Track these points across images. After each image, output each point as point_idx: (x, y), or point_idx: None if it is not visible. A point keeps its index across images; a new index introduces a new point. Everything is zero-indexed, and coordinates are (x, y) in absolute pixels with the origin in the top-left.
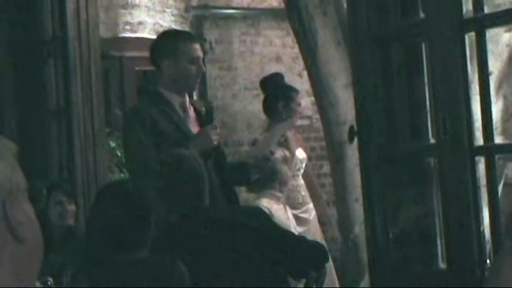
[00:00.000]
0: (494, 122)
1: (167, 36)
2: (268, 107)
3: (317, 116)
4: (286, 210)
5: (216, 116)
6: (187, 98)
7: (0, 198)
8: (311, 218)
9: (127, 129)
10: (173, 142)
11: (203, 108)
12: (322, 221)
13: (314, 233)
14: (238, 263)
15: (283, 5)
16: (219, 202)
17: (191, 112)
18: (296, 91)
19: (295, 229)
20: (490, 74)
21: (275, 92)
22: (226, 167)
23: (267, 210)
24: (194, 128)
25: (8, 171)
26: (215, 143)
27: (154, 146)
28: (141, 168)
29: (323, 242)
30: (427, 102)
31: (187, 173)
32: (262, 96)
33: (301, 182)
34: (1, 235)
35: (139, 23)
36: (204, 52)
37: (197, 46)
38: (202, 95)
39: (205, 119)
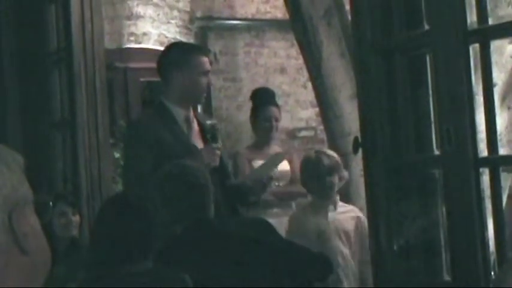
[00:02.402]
0: (498, 133)
1: (177, 48)
2: (252, 121)
3: (321, 127)
4: None
5: (219, 139)
6: (191, 112)
7: (7, 210)
8: None
9: (126, 141)
10: (176, 155)
11: (208, 122)
12: None
13: None
14: (243, 274)
15: (287, 16)
16: (222, 216)
17: (195, 126)
18: (270, 107)
19: None
20: (494, 86)
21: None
22: (228, 183)
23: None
24: (197, 142)
25: (15, 183)
26: (216, 163)
27: (157, 159)
28: (134, 180)
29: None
30: (431, 114)
31: (191, 184)
32: None
33: None
34: (7, 247)
35: (144, 34)
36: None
37: (207, 59)
38: (207, 106)
39: (209, 137)
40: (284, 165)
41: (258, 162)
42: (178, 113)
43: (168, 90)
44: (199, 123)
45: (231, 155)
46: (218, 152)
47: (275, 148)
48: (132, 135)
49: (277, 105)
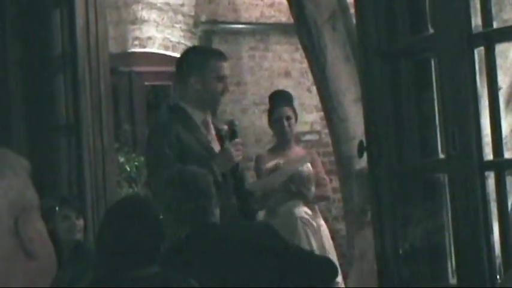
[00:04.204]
0: (503, 136)
1: (197, 52)
2: (268, 125)
3: (326, 131)
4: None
5: (239, 135)
6: (209, 115)
7: (13, 215)
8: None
9: (148, 143)
10: (197, 159)
11: (224, 127)
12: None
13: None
14: (247, 278)
15: (292, 20)
16: (236, 219)
17: (212, 130)
18: (284, 108)
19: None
20: (499, 89)
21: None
22: (242, 189)
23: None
24: (215, 146)
25: (21, 188)
26: (237, 159)
27: (178, 160)
28: (156, 180)
29: (333, 257)
30: (436, 117)
31: (192, 189)
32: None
33: None
34: (13, 251)
35: (149, 38)
36: None
37: (225, 64)
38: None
39: (228, 137)
40: (307, 168)
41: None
42: (197, 116)
43: (186, 94)
44: (215, 128)
45: (253, 158)
46: (240, 147)
47: (296, 149)
48: (153, 136)
49: (289, 105)
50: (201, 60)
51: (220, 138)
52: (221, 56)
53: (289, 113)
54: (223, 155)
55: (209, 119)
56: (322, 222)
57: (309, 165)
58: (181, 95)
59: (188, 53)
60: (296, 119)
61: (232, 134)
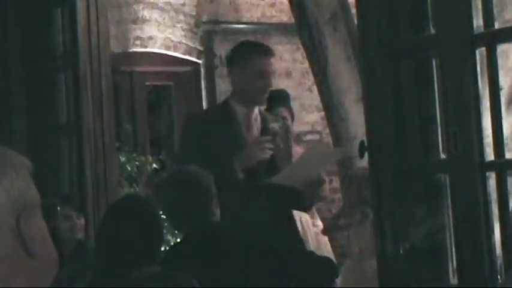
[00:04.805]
0: (505, 137)
1: (241, 47)
2: None
3: (327, 130)
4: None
5: (269, 130)
6: (255, 111)
7: (15, 214)
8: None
9: (181, 134)
10: (220, 154)
11: (275, 124)
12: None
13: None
14: (247, 278)
15: (293, 20)
16: (267, 222)
17: (257, 125)
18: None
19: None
20: (501, 89)
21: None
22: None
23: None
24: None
25: (23, 187)
26: (266, 156)
27: (205, 153)
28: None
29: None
30: (438, 118)
31: (192, 188)
32: None
33: None
34: (14, 250)
35: (150, 37)
36: (214, 67)
37: (269, 60)
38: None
39: (283, 138)
40: None
41: None
42: (240, 111)
43: (233, 88)
44: (264, 123)
45: None
46: (268, 145)
47: (296, 149)
48: (184, 128)
49: (285, 105)
50: (242, 56)
51: (265, 134)
52: (264, 51)
53: (285, 113)
54: (246, 152)
55: (254, 113)
56: (319, 222)
57: None
58: (232, 89)
59: (235, 47)
60: (293, 119)
61: (263, 130)
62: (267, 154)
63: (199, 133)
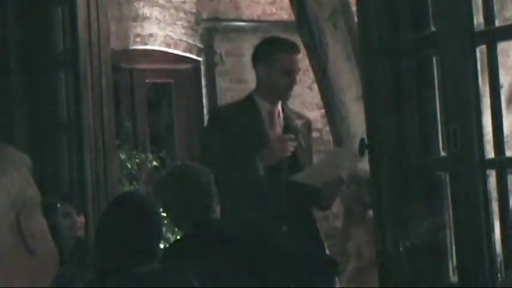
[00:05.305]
0: (505, 135)
1: (267, 43)
2: None
3: (327, 128)
4: None
5: (292, 128)
6: (278, 107)
7: (15, 211)
8: None
9: (203, 128)
10: (248, 148)
11: (298, 121)
12: (331, 234)
13: None
14: (247, 276)
15: (293, 18)
16: (287, 220)
17: (280, 122)
18: None
19: None
20: (501, 87)
21: None
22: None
23: None
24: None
25: (23, 184)
26: (288, 153)
27: (227, 148)
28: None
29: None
30: (438, 115)
31: (193, 185)
32: None
33: None
34: (14, 248)
35: (150, 35)
36: (215, 64)
37: (294, 58)
38: (213, 107)
39: (304, 136)
40: None
41: None
42: (263, 106)
43: (257, 84)
44: (287, 120)
45: None
46: (291, 143)
47: None
48: (208, 123)
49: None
50: (268, 52)
51: (288, 132)
52: (290, 48)
53: None
54: (268, 149)
55: (278, 110)
56: None
57: None
58: (256, 84)
59: (261, 43)
60: None
61: (285, 128)
62: (289, 152)
63: (225, 130)
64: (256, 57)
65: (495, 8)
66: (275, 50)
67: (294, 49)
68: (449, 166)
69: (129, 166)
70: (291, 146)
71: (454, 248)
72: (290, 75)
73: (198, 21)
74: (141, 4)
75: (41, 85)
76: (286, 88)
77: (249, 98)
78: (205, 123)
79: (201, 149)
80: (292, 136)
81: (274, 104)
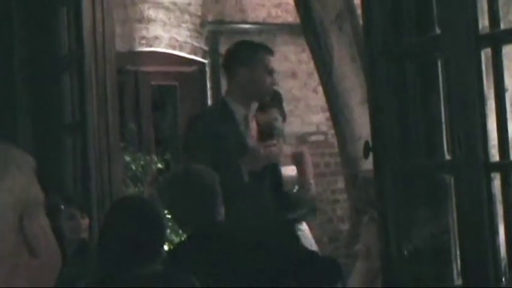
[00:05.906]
0: (510, 138)
1: (245, 45)
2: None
3: (332, 131)
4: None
5: (278, 132)
6: (251, 111)
7: (18, 212)
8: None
9: (185, 136)
10: (231, 153)
11: (276, 125)
12: (336, 237)
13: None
14: (250, 278)
15: (298, 21)
16: (268, 224)
17: (253, 125)
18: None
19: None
20: (506, 91)
21: None
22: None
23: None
24: (252, 142)
25: (26, 184)
26: (266, 160)
27: (213, 155)
28: None
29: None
30: (443, 119)
31: (197, 187)
32: None
33: None
34: (17, 248)
35: (155, 37)
36: (220, 67)
37: (272, 59)
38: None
39: (265, 137)
40: (289, 170)
41: None
42: (239, 111)
43: (231, 88)
44: (258, 124)
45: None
46: (274, 149)
47: (284, 149)
48: (190, 131)
49: (276, 106)
50: (250, 52)
51: (262, 135)
52: (269, 50)
53: (276, 114)
54: (250, 155)
55: (251, 115)
56: (305, 227)
57: (294, 168)
58: (227, 89)
59: (236, 46)
60: (284, 119)
61: (268, 135)
62: (274, 159)
63: (204, 137)
64: (236, 60)
65: (500, 11)
66: (256, 52)
67: (272, 51)
68: (453, 169)
69: (134, 168)
70: (274, 152)
71: (458, 251)
72: (271, 74)
73: (203, 24)
74: (147, 6)
75: (46, 87)
76: (268, 88)
77: (222, 103)
78: (186, 132)
79: (187, 157)
80: (274, 142)
81: (248, 107)
